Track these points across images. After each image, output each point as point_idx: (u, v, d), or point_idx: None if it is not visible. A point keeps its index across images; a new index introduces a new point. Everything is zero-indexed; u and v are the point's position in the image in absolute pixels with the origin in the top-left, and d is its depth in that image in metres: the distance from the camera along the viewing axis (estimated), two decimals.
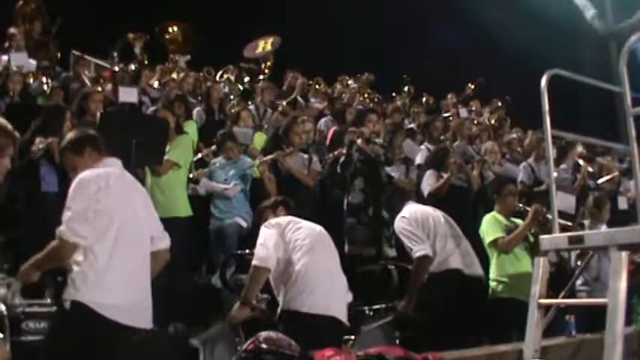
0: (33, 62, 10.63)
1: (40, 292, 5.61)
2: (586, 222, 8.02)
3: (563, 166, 10.80)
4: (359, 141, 8.71)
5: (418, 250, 6.81)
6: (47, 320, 5.26)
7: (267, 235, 5.86)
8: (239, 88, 12.80)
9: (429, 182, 8.80)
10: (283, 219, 6.03)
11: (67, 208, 4.40)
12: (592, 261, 7.01)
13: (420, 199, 8.30)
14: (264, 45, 13.51)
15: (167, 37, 13.51)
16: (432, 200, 8.36)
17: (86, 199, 4.40)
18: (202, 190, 8.58)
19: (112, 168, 4.67)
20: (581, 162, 10.93)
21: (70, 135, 4.83)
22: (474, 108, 15.38)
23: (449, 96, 15.34)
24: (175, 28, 13.61)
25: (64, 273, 5.59)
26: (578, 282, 7.69)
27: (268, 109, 11.43)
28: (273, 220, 6.03)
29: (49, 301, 5.55)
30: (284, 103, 11.91)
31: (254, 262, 5.77)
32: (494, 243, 7.23)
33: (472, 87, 15.94)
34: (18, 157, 6.71)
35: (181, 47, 13.69)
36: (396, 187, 8.88)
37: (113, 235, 4.42)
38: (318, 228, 6.17)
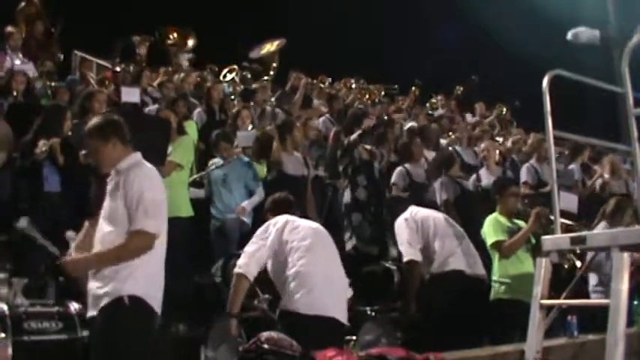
0: (35, 73, 10.63)
1: (42, 292, 5.62)
2: (601, 225, 7.90)
3: (571, 166, 10.83)
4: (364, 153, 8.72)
5: (406, 254, 6.91)
6: (55, 321, 5.28)
7: (253, 241, 5.89)
8: (240, 88, 12.79)
9: (442, 190, 8.79)
10: (280, 219, 6.00)
11: (148, 201, 4.49)
12: (607, 262, 7.01)
13: (433, 206, 8.33)
14: (270, 46, 13.51)
15: (168, 42, 13.50)
16: (446, 208, 8.41)
17: (160, 188, 4.58)
18: (202, 193, 8.61)
19: (148, 164, 4.74)
20: (596, 167, 10.95)
21: (97, 119, 4.84)
22: (478, 111, 15.42)
23: (438, 97, 15.33)
24: (175, 35, 13.61)
25: (64, 274, 5.64)
26: (593, 282, 7.70)
27: (267, 107, 11.41)
28: (268, 223, 6.01)
29: (51, 301, 5.56)
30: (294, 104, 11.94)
31: (235, 270, 5.79)
32: (496, 245, 7.22)
33: (461, 89, 15.90)
34: (21, 157, 6.73)
35: (183, 46, 13.68)
36: (395, 197, 8.87)
37: None
38: (317, 227, 6.15)
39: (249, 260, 5.76)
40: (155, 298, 4.53)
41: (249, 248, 5.84)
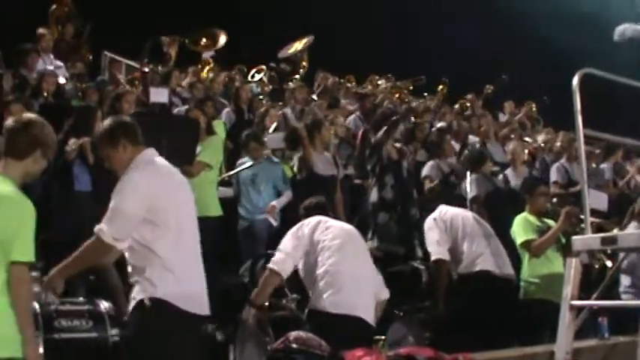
0: (66, 74, 10.73)
1: (73, 290, 5.66)
2: (632, 225, 7.83)
3: (603, 166, 10.75)
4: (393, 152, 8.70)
5: (434, 254, 6.92)
6: (85, 319, 5.33)
7: (288, 239, 5.92)
8: (269, 88, 12.82)
9: (472, 186, 8.77)
10: (311, 220, 6.03)
11: (114, 208, 4.41)
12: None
13: (462, 202, 8.30)
14: (297, 45, 13.53)
15: (198, 46, 13.55)
16: (476, 205, 8.38)
17: (137, 199, 4.42)
18: (230, 192, 8.63)
19: (157, 159, 4.67)
20: (629, 168, 10.87)
21: (104, 124, 4.79)
22: (508, 109, 15.35)
23: (468, 96, 15.27)
24: (205, 40, 13.65)
25: (95, 272, 5.70)
26: (626, 283, 7.62)
27: (305, 108, 11.43)
28: (301, 223, 6.03)
29: (81, 299, 5.60)
30: (314, 97, 11.94)
31: (269, 265, 5.83)
32: (525, 244, 7.19)
33: (491, 88, 15.82)
34: (52, 157, 6.78)
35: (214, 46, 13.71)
36: (430, 189, 8.85)
37: (174, 228, 4.48)
38: (348, 227, 6.17)
39: (285, 258, 5.81)
40: (187, 298, 4.45)
41: (284, 246, 5.88)
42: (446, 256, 6.93)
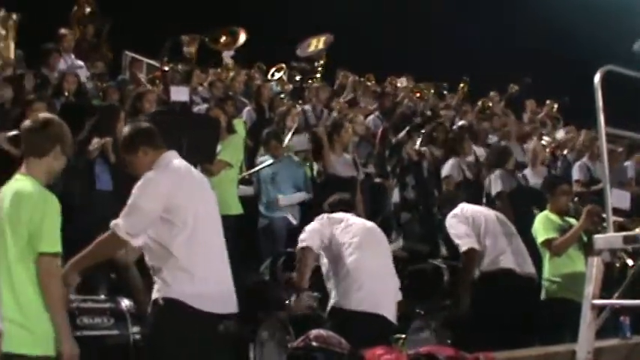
0: (87, 73, 10.79)
1: (94, 288, 5.70)
2: None
3: (626, 164, 10.69)
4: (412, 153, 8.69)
5: (464, 245, 6.85)
6: (106, 317, 5.37)
7: (311, 225, 5.99)
8: (290, 87, 12.83)
9: (496, 182, 8.74)
10: (335, 215, 6.05)
11: (131, 205, 4.47)
12: None
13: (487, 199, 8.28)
14: (317, 43, 13.50)
15: (218, 45, 13.57)
16: (500, 201, 8.36)
17: (154, 197, 4.48)
18: (252, 190, 8.65)
19: (177, 161, 4.71)
20: None
21: (124, 132, 4.86)
22: (529, 107, 15.29)
23: (491, 94, 15.21)
24: (225, 38, 13.67)
25: (116, 270, 5.73)
26: None
27: (325, 108, 11.44)
28: (325, 215, 6.05)
29: (103, 297, 5.64)
30: (341, 100, 11.94)
31: (299, 245, 5.91)
32: (546, 243, 7.15)
33: (516, 87, 15.75)
34: (74, 156, 6.82)
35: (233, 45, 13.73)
36: (449, 187, 8.83)
37: (191, 228, 4.50)
38: (370, 225, 6.17)
39: (312, 234, 5.89)
40: (203, 298, 4.47)
41: (309, 226, 5.95)
42: (476, 245, 6.87)
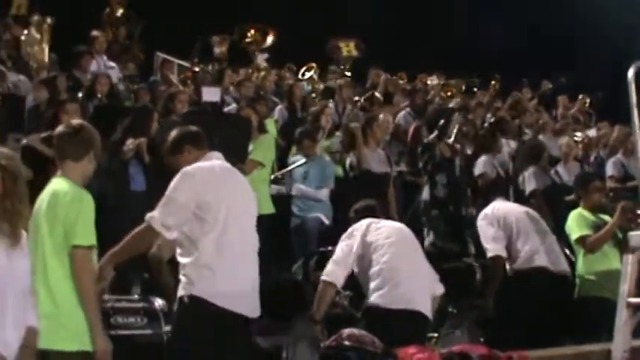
0: (119, 74, 10.89)
1: (128, 287, 5.74)
2: None
3: None
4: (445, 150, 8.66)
5: (491, 251, 6.86)
6: (140, 316, 5.43)
7: (340, 247, 5.95)
8: (320, 86, 12.83)
9: (530, 180, 8.69)
10: (362, 223, 6.05)
11: (167, 198, 4.57)
12: None
13: (520, 196, 8.23)
14: (348, 49, 13.54)
15: (246, 40, 13.61)
16: (535, 199, 8.31)
17: (189, 190, 4.56)
18: (284, 190, 8.66)
19: (216, 161, 4.81)
20: None
21: (170, 135, 4.99)
22: (561, 103, 15.17)
23: (523, 90, 15.10)
24: (253, 32, 13.71)
25: (149, 270, 5.78)
26: None
27: (348, 105, 11.44)
28: (353, 227, 6.04)
29: (136, 296, 5.69)
30: (362, 99, 11.93)
31: (322, 277, 5.88)
32: (580, 240, 7.09)
33: (549, 85, 15.63)
34: (108, 157, 6.89)
35: (262, 42, 13.78)
36: (485, 183, 8.78)
37: (222, 226, 4.56)
38: (400, 225, 6.18)
39: (336, 268, 5.86)
40: (226, 297, 4.50)
41: (336, 256, 5.91)
42: (503, 253, 6.87)
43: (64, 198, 4.19)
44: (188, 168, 4.66)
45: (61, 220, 4.15)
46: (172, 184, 4.60)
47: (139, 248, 4.80)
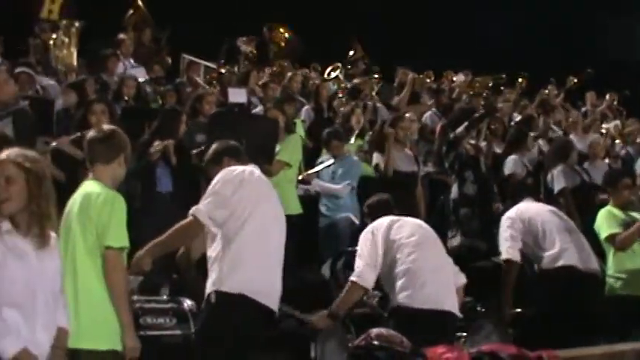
0: (145, 76, 10.96)
1: (157, 289, 5.78)
2: None
3: None
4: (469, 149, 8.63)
5: (504, 253, 6.80)
6: (169, 317, 5.47)
7: (365, 249, 5.87)
8: (346, 86, 12.83)
9: (559, 179, 8.63)
10: (382, 222, 5.98)
11: (211, 193, 4.77)
12: None
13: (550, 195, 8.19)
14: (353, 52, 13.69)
15: (274, 38, 13.66)
16: (563, 198, 8.26)
17: (233, 185, 4.77)
18: (313, 190, 8.66)
19: (249, 168, 5.01)
20: None
21: (211, 148, 5.25)
22: (589, 100, 15.07)
23: (549, 87, 15.01)
24: (282, 30, 13.76)
25: (178, 271, 5.81)
26: None
27: (369, 103, 11.42)
28: (372, 228, 5.99)
29: (165, 297, 5.72)
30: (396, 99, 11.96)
31: (352, 278, 5.82)
32: (610, 238, 7.03)
33: (575, 80, 15.52)
34: (136, 158, 6.94)
35: (282, 51, 13.84)
36: (514, 183, 8.74)
37: (252, 224, 4.76)
38: (419, 222, 6.14)
39: (366, 270, 5.78)
40: (255, 292, 4.65)
41: (365, 259, 5.83)
42: (516, 257, 6.76)
43: (97, 200, 4.27)
44: (230, 168, 4.90)
45: (94, 222, 4.23)
46: (216, 179, 4.83)
47: (183, 241, 5.03)
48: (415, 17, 17.56)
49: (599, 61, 16.20)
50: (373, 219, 6.15)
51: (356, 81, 12.29)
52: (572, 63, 16.05)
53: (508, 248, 6.81)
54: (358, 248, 5.95)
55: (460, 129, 8.81)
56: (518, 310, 6.83)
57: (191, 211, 4.75)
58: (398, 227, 5.91)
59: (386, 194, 6.51)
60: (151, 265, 4.74)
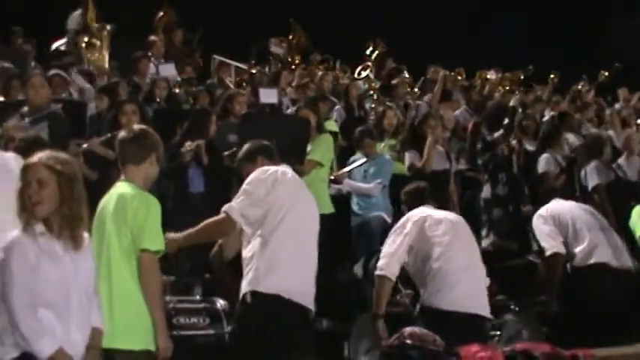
0: (176, 76, 11.03)
1: (190, 289, 5.81)
2: None
3: None
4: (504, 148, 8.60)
5: (549, 248, 6.71)
6: (202, 316, 5.50)
7: (391, 239, 5.88)
8: (376, 85, 12.81)
9: (592, 175, 8.56)
10: (417, 213, 5.95)
11: (244, 192, 4.80)
12: None
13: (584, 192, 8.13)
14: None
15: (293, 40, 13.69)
16: (597, 194, 8.20)
17: (266, 186, 4.78)
18: (345, 189, 8.65)
19: (282, 168, 5.01)
20: None
21: (245, 147, 5.25)
22: (621, 95, 14.90)
23: (581, 83, 14.86)
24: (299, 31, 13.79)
25: (211, 271, 5.84)
26: None
27: (410, 101, 11.40)
28: (406, 218, 5.95)
29: (198, 297, 5.75)
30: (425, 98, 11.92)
31: (377, 272, 5.82)
32: None
33: (606, 74, 15.36)
34: (168, 159, 6.99)
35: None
36: (547, 181, 8.68)
37: (287, 224, 4.77)
38: (456, 217, 6.08)
39: (390, 260, 5.77)
40: (291, 292, 4.65)
41: (388, 248, 5.84)
42: (561, 250, 6.73)
43: (132, 202, 4.30)
44: (264, 168, 4.91)
45: (129, 224, 4.25)
46: (249, 179, 4.85)
47: (213, 236, 5.08)
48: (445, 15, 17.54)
49: (627, 60, 16.05)
50: (410, 207, 6.12)
51: (394, 82, 12.26)
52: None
53: (552, 242, 6.73)
54: (388, 236, 5.93)
55: (498, 134, 8.79)
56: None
57: (224, 208, 4.79)
58: (434, 223, 5.84)
59: (423, 182, 6.50)
60: (176, 249, 4.81)
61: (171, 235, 4.74)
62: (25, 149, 4.89)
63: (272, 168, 4.94)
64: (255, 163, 5.02)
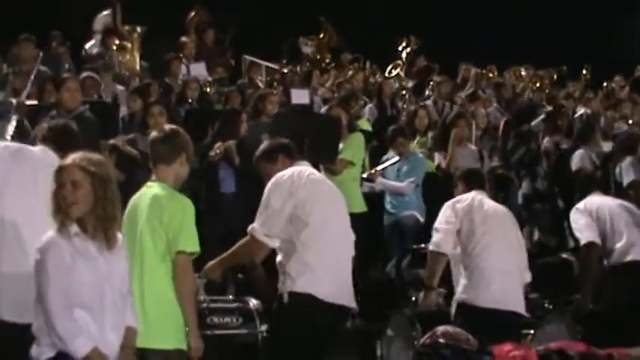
0: (207, 76, 11.08)
1: (223, 289, 5.84)
2: None
3: None
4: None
5: (584, 238, 6.60)
6: (235, 316, 5.54)
7: (444, 214, 5.80)
8: (407, 83, 12.79)
9: (627, 171, 8.48)
10: (467, 197, 5.86)
11: (263, 207, 4.81)
12: None
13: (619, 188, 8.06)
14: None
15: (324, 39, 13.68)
16: (633, 191, 8.11)
17: (281, 195, 4.77)
18: (378, 187, 8.65)
19: (304, 167, 5.00)
20: None
21: (263, 145, 5.22)
22: None
23: (616, 78, 14.69)
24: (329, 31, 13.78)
25: (244, 271, 5.87)
26: None
27: (447, 102, 11.37)
28: (456, 200, 5.87)
29: (231, 297, 5.78)
30: (462, 95, 11.87)
31: (430, 247, 5.80)
32: None
33: None
34: (199, 160, 7.03)
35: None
36: (581, 177, 8.61)
37: (317, 224, 4.76)
38: (502, 210, 5.98)
39: (444, 236, 5.73)
40: (327, 293, 4.67)
41: (440, 224, 5.78)
42: (597, 240, 6.62)
43: (168, 204, 4.34)
44: (278, 175, 4.86)
45: (165, 226, 4.29)
46: (265, 193, 4.84)
47: (246, 257, 5.14)
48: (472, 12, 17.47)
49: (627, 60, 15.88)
50: (464, 186, 6.02)
51: (437, 79, 12.22)
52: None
53: (586, 232, 6.62)
54: (437, 220, 5.87)
55: (536, 121, 8.74)
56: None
57: (248, 230, 4.83)
58: (479, 209, 5.75)
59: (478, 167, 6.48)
60: (220, 275, 4.98)
61: (211, 264, 4.88)
62: (54, 139, 4.90)
63: (288, 172, 4.89)
64: (275, 163, 5.00)
